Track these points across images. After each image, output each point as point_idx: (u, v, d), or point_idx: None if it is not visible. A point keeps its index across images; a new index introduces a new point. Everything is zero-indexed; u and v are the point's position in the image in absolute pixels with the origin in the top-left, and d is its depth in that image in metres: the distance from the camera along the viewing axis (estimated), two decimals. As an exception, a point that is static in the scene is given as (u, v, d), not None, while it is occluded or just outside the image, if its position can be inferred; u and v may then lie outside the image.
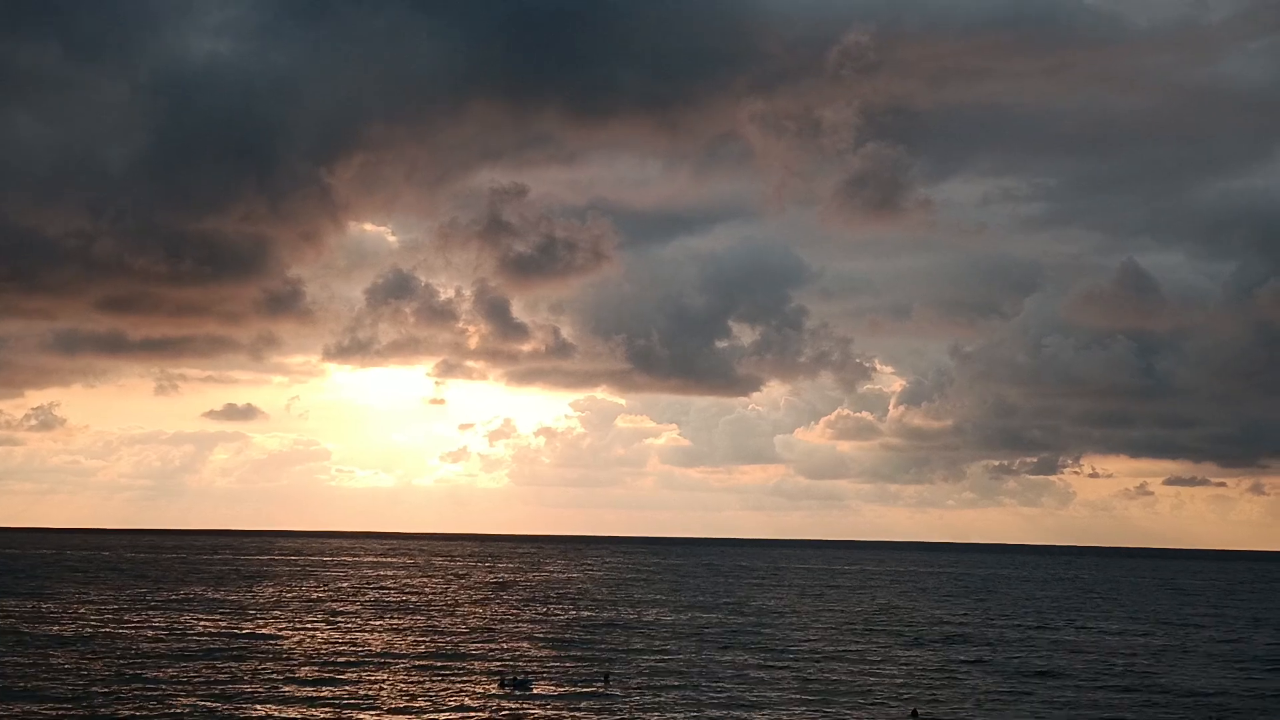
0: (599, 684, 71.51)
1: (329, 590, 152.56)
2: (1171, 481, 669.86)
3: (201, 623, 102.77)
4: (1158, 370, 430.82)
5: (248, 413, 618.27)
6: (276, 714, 60.35)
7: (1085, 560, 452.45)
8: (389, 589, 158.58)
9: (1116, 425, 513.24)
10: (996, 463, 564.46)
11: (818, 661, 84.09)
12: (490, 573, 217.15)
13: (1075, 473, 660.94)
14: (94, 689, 65.93)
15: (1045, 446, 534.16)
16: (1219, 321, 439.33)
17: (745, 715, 62.77)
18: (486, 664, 78.64)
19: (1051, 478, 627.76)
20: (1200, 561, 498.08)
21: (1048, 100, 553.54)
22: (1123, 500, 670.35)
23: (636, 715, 61.99)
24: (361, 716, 60.40)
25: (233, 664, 76.30)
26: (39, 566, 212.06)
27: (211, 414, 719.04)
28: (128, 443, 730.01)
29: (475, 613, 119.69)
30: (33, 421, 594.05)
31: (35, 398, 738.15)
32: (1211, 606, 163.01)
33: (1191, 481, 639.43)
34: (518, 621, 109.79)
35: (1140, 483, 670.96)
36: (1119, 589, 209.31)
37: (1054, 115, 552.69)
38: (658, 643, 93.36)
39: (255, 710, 61.13)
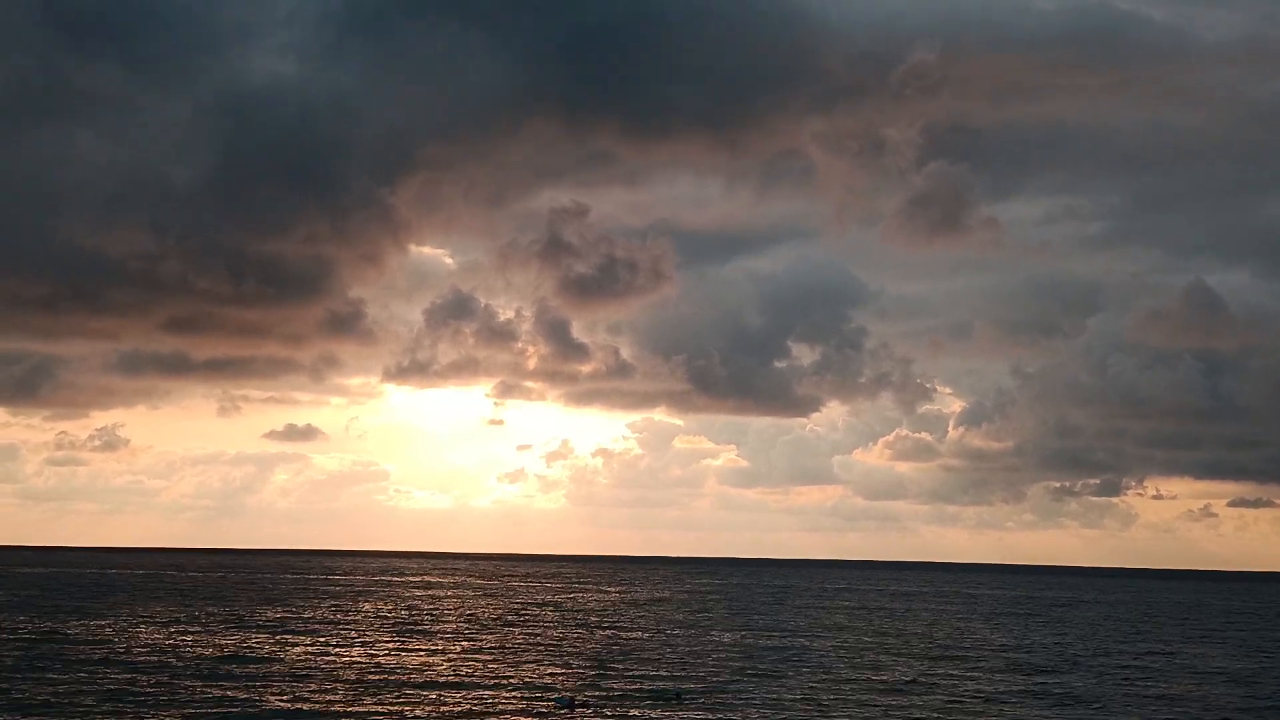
0: (669, 702, 70.03)
1: (383, 609, 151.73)
2: (1236, 503, 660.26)
3: (256, 641, 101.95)
4: (1223, 390, 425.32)
5: (308, 433, 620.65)
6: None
7: (1148, 583, 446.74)
8: (443, 609, 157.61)
9: (1180, 446, 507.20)
10: (1058, 484, 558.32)
11: (917, 694, 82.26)
12: (546, 593, 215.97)
13: (1139, 495, 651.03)
14: (143, 708, 65.09)
15: (1108, 468, 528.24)
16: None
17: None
18: (542, 684, 77.29)
19: (1114, 499, 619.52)
20: (1265, 584, 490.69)
21: (1111, 117, 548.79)
22: (1186, 522, 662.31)
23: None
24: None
25: (285, 682, 75.31)
26: (102, 585, 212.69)
27: (272, 434, 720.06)
28: (190, 463, 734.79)
29: (530, 633, 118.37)
30: (97, 442, 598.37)
31: (100, 418, 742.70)
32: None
33: (1256, 503, 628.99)
34: (574, 641, 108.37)
35: (1204, 504, 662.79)
36: (1198, 612, 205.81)
37: (1118, 132, 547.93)
38: (726, 664, 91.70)
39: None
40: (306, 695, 70.75)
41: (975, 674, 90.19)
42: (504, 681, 79.01)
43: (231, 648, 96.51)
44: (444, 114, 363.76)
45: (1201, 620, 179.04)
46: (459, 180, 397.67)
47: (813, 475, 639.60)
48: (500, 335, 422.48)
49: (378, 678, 79.54)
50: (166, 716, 63.07)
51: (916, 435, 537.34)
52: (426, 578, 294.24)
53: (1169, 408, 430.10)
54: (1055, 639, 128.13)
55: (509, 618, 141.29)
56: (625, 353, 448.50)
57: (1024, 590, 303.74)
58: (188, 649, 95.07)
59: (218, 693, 70.94)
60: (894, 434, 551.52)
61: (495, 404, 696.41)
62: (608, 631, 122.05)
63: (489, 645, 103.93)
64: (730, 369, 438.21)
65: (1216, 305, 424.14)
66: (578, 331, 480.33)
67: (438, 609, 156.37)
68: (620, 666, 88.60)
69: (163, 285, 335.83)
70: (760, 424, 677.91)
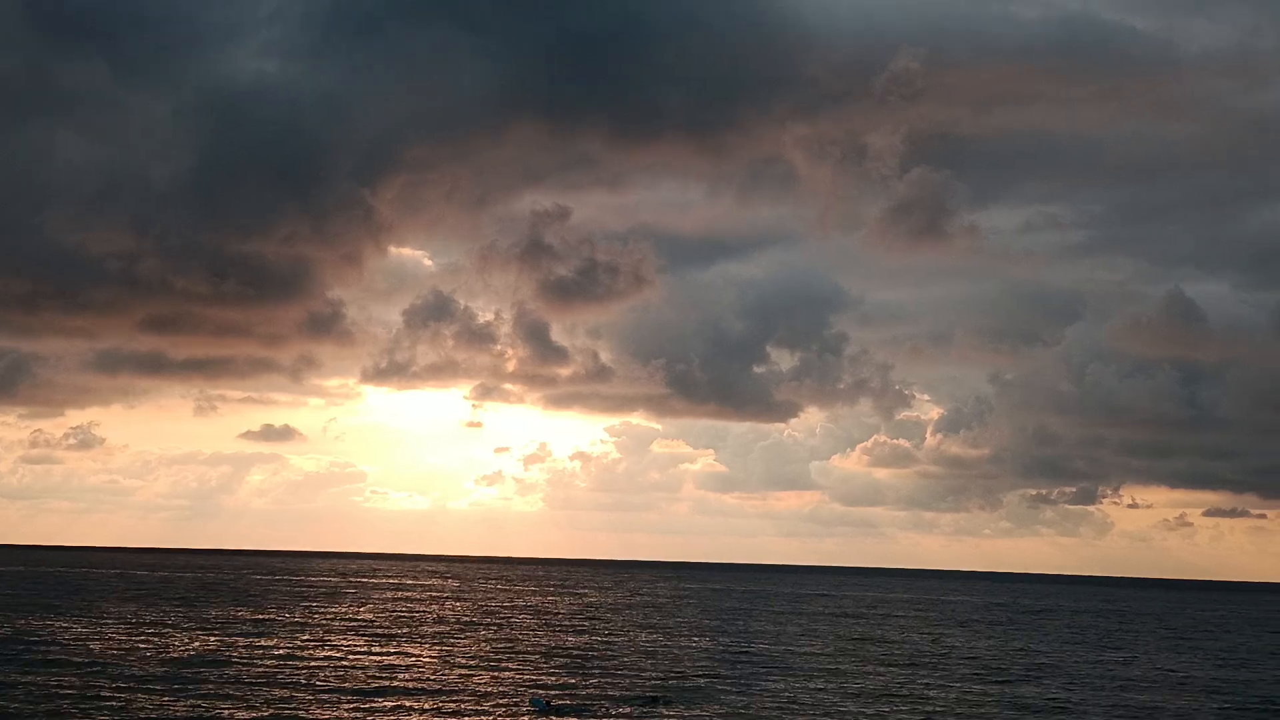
0: (646, 706, 69.80)
1: (358, 611, 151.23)
2: (1211, 513, 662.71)
3: (226, 644, 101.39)
4: (1200, 400, 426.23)
5: (285, 434, 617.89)
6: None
7: (1124, 591, 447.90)
8: (420, 611, 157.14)
9: (1157, 456, 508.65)
10: (1034, 492, 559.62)
11: (893, 702, 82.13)
12: (523, 596, 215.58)
13: (1114, 503, 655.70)
14: (103, 714, 64.62)
15: (1084, 476, 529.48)
16: (1264, 352, 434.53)
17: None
18: (518, 688, 76.99)
19: (1090, 508, 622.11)
20: (1239, 593, 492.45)
21: (1095, 127, 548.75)
22: (1161, 531, 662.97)
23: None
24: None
25: (253, 687, 74.86)
26: (74, 585, 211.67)
27: (249, 435, 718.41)
28: (166, 463, 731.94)
29: (506, 636, 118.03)
30: (72, 441, 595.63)
31: (75, 417, 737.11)
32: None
33: (1232, 513, 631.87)
34: (550, 645, 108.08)
35: (1180, 514, 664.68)
36: (1172, 621, 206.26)
37: (1100, 142, 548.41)
38: (703, 669, 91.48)
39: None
40: (274, 700, 70.32)
41: (951, 682, 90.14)
42: (479, 685, 78.71)
43: (200, 650, 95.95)
44: (427, 115, 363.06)
45: (1176, 629, 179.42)
46: (441, 182, 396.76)
47: (791, 481, 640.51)
48: (479, 337, 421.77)
49: (350, 682, 79.15)
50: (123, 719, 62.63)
51: (895, 442, 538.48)
52: (402, 580, 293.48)
53: (1147, 417, 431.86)
54: (1030, 646, 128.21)
55: (485, 620, 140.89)
56: (604, 356, 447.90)
57: (1000, 597, 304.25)
58: (154, 652, 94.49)
59: (180, 698, 70.45)
60: (872, 440, 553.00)
61: (474, 406, 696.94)
62: (584, 635, 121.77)
63: (464, 648, 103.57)
64: (710, 374, 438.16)
65: (1196, 316, 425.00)
66: (557, 334, 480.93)
67: (413, 611, 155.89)
68: (597, 670, 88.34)
69: (141, 284, 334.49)
70: (739, 429, 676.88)
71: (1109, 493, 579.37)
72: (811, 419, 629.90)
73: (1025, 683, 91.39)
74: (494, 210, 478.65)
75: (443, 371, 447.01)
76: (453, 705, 69.76)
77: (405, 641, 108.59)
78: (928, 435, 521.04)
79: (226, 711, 64.92)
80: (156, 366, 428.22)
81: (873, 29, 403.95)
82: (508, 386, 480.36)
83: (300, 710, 66.24)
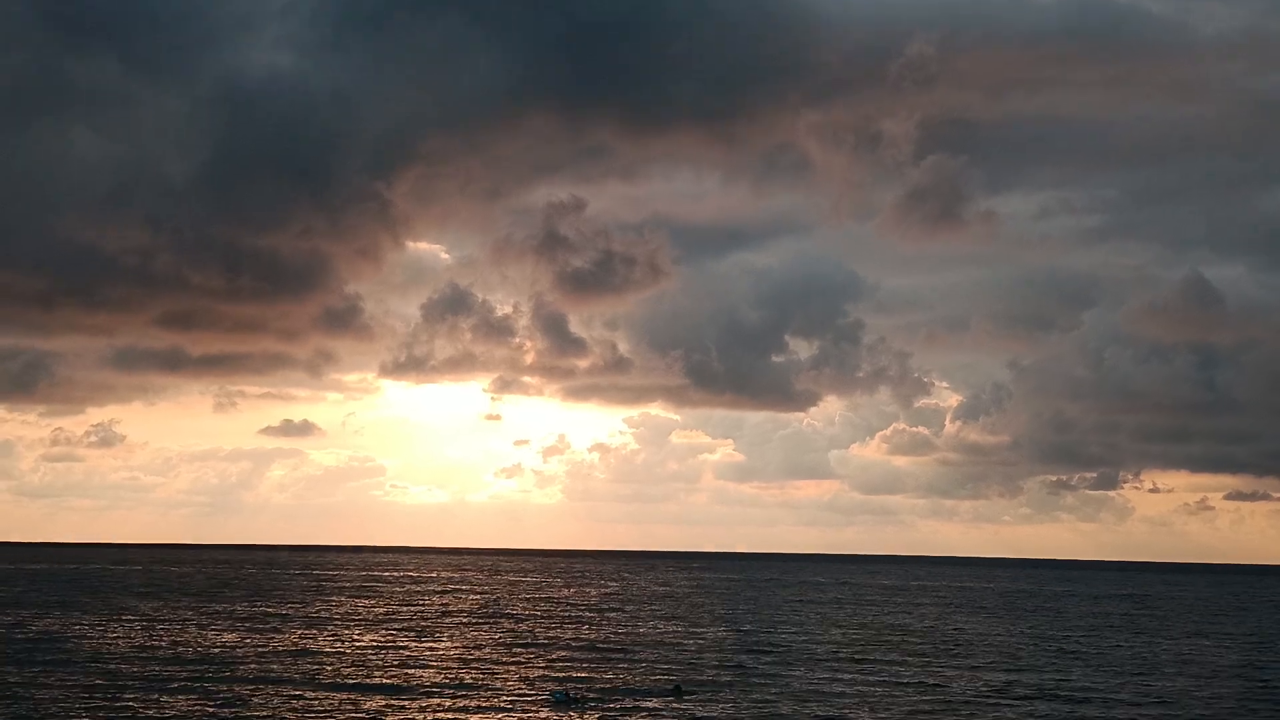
0: (668, 696, 69.48)
1: (378, 605, 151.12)
2: (1232, 496, 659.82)
3: (246, 638, 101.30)
4: (1219, 384, 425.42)
5: (304, 429, 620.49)
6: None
7: (1145, 576, 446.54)
8: (439, 604, 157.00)
9: (1177, 440, 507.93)
10: (1054, 478, 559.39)
11: (918, 690, 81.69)
12: (543, 588, 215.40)
13: (1135, 488, 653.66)
14: (122, 707, 64.43)
15: (1104, 461, 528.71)
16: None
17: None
18: (538, 679, 76.67)
19: (1110, 493, 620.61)
20: (1261, 577, 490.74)
21: (1110, 111, 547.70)
22: (1182, 515, 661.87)
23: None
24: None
25: (273, 683, 74.67)
26: (95, 581, 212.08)
27: (269, 430, 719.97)
28: (186, 459, 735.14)
29: (526, 628, 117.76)
30: (93, 438, 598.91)
31: (95, 415, 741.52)
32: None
33: (1253, 496, 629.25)
34: (571, 636, 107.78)
35: (1200, 498, 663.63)
36: (1196, 605, 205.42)
37: (1115, 126, 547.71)
38: (725, 659, 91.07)
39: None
40: (294, 696, 70.10)
41: (974, 669, 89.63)
42: (499, 677, 78.41)
43: (221, 646, 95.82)
44: (441, 108, 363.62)
45: (1200, 613, 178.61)
46: (455, 174, 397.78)
47: (810, 470, 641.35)
48: (497, 330, 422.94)
49: (371, 676, 78.91)
50: (144, 716, 62.44)
51: (913, 429, 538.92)
52: (422, 573, 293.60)
53: (1165, 401, 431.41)
54: (1053, 633, 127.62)
55: (504, 613, 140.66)
56: (622, 347, 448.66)
57: (1021, 584, 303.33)
58: (174, 648, 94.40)
59: (202, 694, 70.27)
60: (891, 428, 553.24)
61: (492, 399, 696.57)
62: (605, 626, 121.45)
63: (485, 640, 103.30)
64: (727, 363, 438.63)
65: (1213, 299, 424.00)
66: (575, 326, 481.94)
67: (433, 604, 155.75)
68: (617, 661, 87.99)
69: (158, 280, 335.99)
70: (757, 418, 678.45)
71: (1129, 478, 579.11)
72: (830, 408, 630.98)
73: (1049, 669, 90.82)
74: (509, 202, 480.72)
75: (461, 364, 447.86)
76: (473, 698, 69.46)
77: (425, 635, 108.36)
78: (946, 422, 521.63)
79: (249, 707, 64.69)
80: (175, 363, 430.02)
81: (885, 15, 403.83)
82: (526, 379, 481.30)
83: (321, 705, 66.00)
